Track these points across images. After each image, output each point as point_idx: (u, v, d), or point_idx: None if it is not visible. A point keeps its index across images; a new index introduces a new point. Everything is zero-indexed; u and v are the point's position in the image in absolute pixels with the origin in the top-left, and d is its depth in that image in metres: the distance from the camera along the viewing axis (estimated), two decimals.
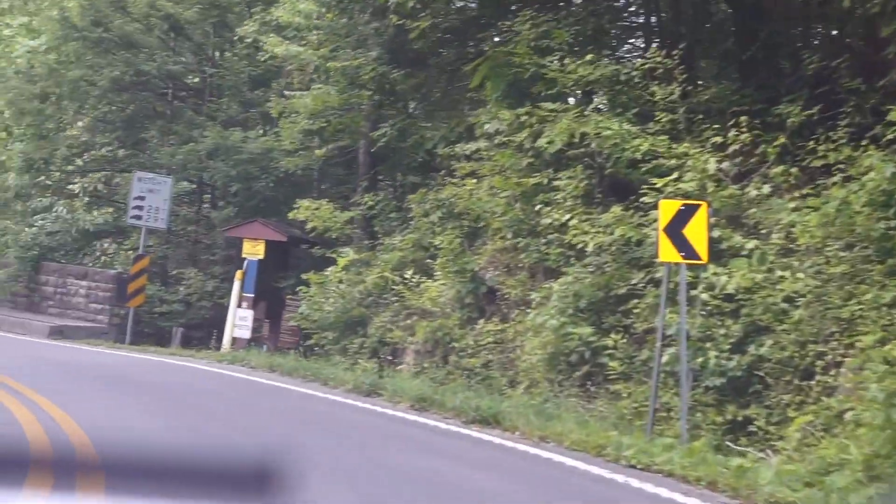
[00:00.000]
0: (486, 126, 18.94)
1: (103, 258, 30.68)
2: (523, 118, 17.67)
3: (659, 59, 16.53)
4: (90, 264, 30.43)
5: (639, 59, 18.97)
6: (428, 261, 20.62)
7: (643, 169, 15.61)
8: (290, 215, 24.43)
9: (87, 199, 31.53)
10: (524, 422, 13.46)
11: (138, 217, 26.69)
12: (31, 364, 18.27)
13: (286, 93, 27.06)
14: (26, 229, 30.34)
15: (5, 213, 32.65)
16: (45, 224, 30.24)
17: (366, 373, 18.10)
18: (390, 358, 19.68)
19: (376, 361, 19.54)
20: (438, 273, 19.68)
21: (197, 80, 32.02)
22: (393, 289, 20.69)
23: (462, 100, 23.01)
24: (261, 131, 28.98)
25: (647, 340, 14.57)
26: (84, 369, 18.37)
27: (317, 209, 23.73)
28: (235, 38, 29.04)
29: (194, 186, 31.72)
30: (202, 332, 26.67)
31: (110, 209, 31.41)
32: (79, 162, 31.85)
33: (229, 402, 16.00)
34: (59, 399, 12.97)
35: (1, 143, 33.44)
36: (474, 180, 19.46)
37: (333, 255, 22.70)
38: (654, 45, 18.30)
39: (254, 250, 24.44)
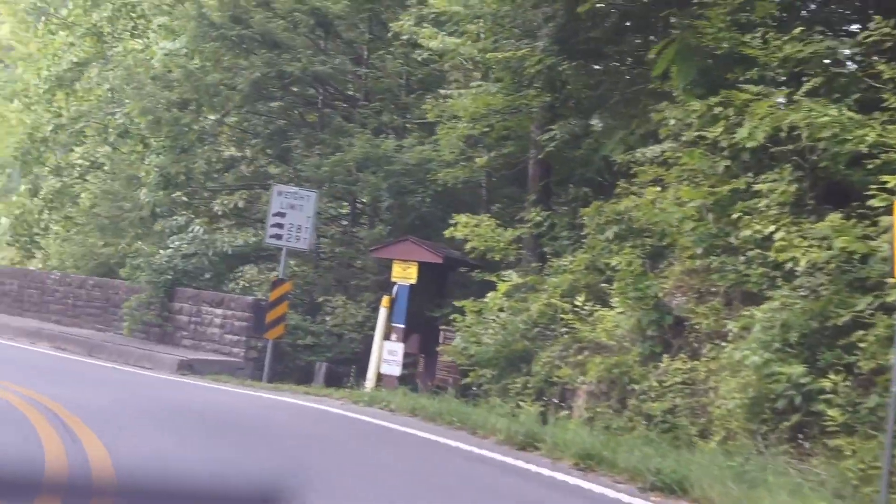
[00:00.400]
0: (672, 121, 17.03)
1: (242, 284, 29.23)
2: (717, 109, 15.72)
3: (888, 29, 14.41)
4: (231, 291, 29.08)
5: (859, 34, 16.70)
6: (603, 285, 19.00)
7: (869, 166, 13.50)
8: (447, 233, 22.82)
9: (230, 219, 30.48)
10: (719, 490, 11.22)
11: (278, 237, 25.12)
12: (126, 403, 16.89)
13: (442, 91, 25.40)
14: (160, 251, 29.15)
15: (142, 234, 31.82)
16: (180, 245, 28.97)
17: (527, 419, 16.14)
18: (556, 401, 17.73)
19: (541, 405, 17.62)
20: (615, 300, 17.93)
21: (350, 84, 30.68)
22: (562, 318, 19.03)
23: (643, 96, 20.95)
24: (417, 140, 27.33)
25: (876, 383, 12.57)
26: (173, 410, 16.73)
27: (476, 226, 22.09)
28: (390, 34, 27.52)
29: (345, 206, 30.36)
30: (350, 367, 25.08)
31: (256, 230, 30.13)
32: (227, 177, 30.89)
33: (327, 454, 13.95)
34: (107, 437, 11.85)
35: (137, 156, 32.70)
36: (658, 188, 17.48)
37: (494, 280, 20.91)
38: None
39: (405, 273, 22.72)
